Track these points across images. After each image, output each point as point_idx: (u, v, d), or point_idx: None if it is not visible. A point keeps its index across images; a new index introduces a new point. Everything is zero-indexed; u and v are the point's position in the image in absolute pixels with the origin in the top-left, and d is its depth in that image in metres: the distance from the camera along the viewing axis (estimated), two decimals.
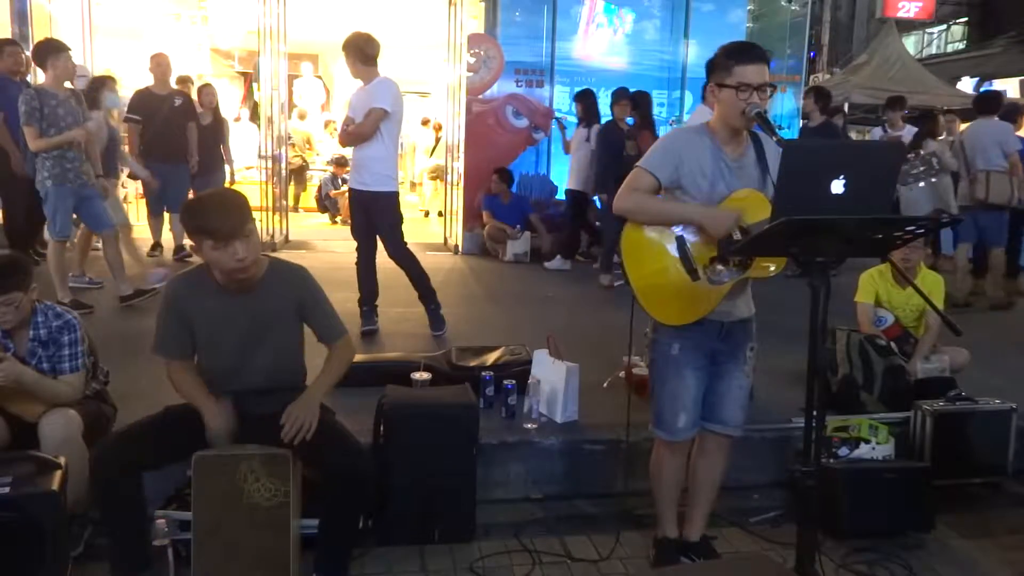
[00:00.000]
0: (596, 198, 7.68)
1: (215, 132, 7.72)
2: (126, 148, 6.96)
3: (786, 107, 9.67)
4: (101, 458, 2.40)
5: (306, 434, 2.42)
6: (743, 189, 2.44)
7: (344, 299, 5.45)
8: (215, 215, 2.34)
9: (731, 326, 2.56)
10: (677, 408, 2.56)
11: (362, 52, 4.58)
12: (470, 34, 8.46)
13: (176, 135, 7.01)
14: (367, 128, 4.56)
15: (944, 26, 21.23)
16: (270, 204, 8.33)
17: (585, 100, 7.68)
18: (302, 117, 12.48)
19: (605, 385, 3.91)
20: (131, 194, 8.91)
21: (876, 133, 8.86)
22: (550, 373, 3.50)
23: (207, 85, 8.16)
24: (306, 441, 2.46)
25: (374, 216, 4.74)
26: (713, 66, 2.46)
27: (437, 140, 12.31)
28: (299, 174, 11.86)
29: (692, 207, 2.42)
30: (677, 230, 2.47)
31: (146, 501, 2.49)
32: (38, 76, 5.82)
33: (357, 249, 4.87)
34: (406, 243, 4.82)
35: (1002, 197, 6.40)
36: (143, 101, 6.96)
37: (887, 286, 4.03)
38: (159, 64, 7.00)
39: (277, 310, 2.52)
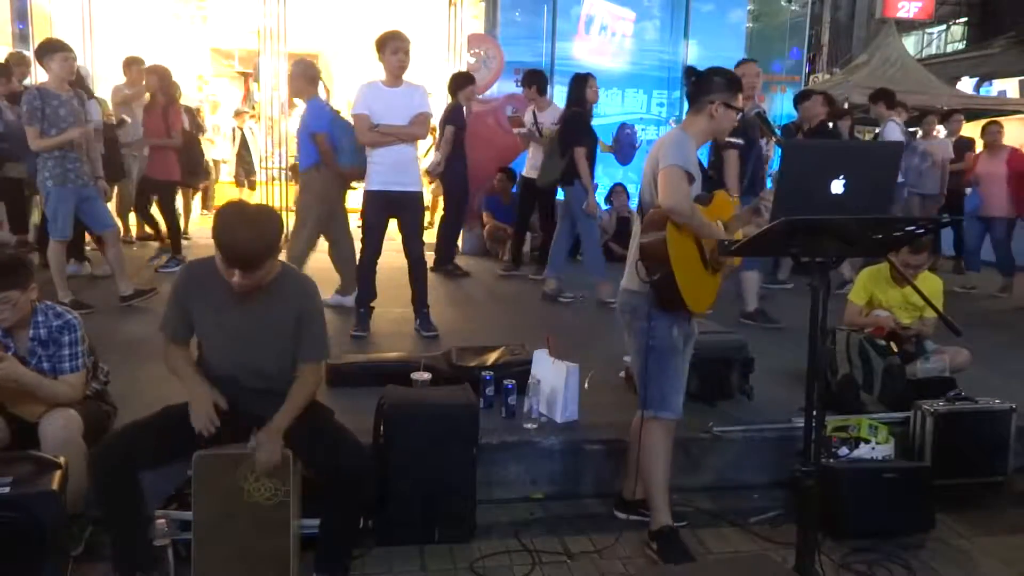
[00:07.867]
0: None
1: None
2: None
3: (785, 107, 9.67)
4: (99, 455, 2.42)
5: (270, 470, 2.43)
6: (718, 190, 2.85)
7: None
8: (237, 241, 2.30)
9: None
10: (679, 387, 2.82)
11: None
12: (470, 34, 8.46)
13: None
14: (425, 131, 4.72)
15: (944, 26, 21.23)
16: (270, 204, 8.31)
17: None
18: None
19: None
20: None
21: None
22: (550, 373, 3.50)
23: None
24: (307, 441, 2.47)
25: (410, 216, 4.77)
26: (722, 85, 2.72)
27: None
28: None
29: (720, 230, 2.74)
30: None
31: (146, 500, 2.49)
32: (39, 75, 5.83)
33: (365, 249, 4.81)
34: None
35: None
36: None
37: (884, 285, 4.03)
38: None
39: (279, 316, 2.51)
